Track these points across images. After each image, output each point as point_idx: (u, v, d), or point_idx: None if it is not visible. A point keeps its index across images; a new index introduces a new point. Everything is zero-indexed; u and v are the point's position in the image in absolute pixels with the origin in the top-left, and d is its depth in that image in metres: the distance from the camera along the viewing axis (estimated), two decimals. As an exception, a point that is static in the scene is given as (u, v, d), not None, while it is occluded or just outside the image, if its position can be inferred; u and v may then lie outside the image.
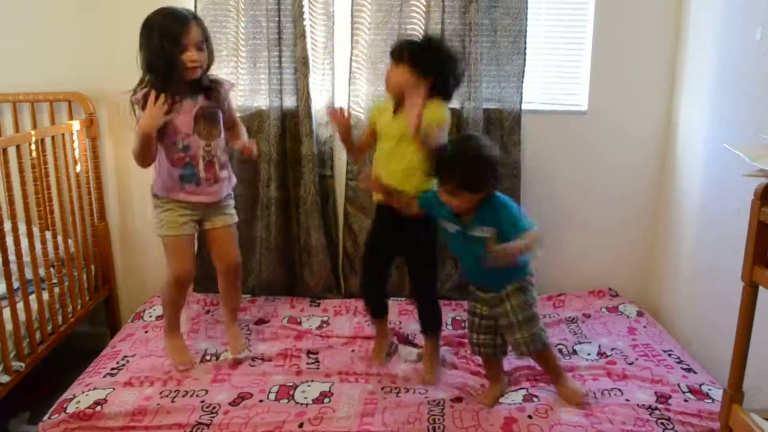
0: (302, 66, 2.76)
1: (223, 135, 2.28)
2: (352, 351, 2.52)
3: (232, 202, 2.42)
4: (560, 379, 2.20)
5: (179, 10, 2.14)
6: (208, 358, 2.44)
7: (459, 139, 2.28)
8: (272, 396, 2.18)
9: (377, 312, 2.48)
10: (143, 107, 2.09)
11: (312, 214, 2.92)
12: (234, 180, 2.42)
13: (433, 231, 2.26)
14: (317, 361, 2.43)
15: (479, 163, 1.98)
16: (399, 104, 2.17)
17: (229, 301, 2.49)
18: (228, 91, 2.30)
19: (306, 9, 2.72)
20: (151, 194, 2.29)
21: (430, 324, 2.40)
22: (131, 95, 2.16)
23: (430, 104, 2.09)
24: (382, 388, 2.24)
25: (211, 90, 2.22)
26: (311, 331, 2.67)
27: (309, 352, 2.49)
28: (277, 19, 2.73)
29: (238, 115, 2.48)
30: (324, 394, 2.19)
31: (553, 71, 3.00)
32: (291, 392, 2.20)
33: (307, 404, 2.13)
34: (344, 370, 2.36)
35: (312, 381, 2.27)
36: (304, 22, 2.72)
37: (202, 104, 2.20)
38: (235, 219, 2.42)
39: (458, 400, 2.17)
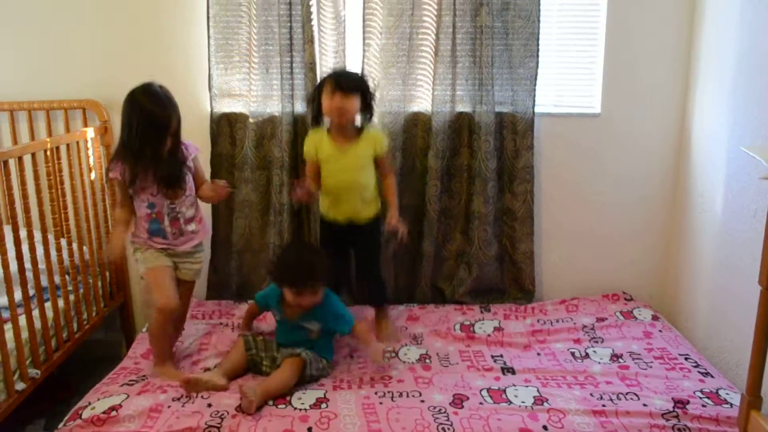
0: (310, 71, 2.76)
1: (191, 192, 2.41)
2: (351, 357, 2.52)
3: (202, 253, 2.53)
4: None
5: (162, 94, 2.28)
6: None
7: (291, 247, 2.73)
8: (270, 402, 2.17)
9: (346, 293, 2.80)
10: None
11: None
12: (208, 231, 2.59)
13: (377, 231, 2.64)
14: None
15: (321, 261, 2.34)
16: (332, 127, 2.50)
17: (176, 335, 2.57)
18: (194, 154, 2.43)
19: (315, 14, 2.72)
20: (130, 240, 2.44)
21: (380, 298, 2.73)
22: (106, 172, 2.36)
23: (375, 134, 2.54)
24: (375, 393, 2.23)
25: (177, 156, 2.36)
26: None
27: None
28: (288, 24, 2.74)
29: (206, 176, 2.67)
30: (320, 400, 2.19)
31: (566, 74, 2.98)
32: (288, 398, 2.20)
33: (305, 409, 2.13)
34: (337, 377, 2.36)
35: (306, 389, 2.26)
36: (313, 28, 2.72)
37: (167, 170, 2.31)
38: (200, 267, 2.54)
39: (458, 404, 2.16)
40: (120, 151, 2.30)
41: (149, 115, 2.22)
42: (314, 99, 2.51)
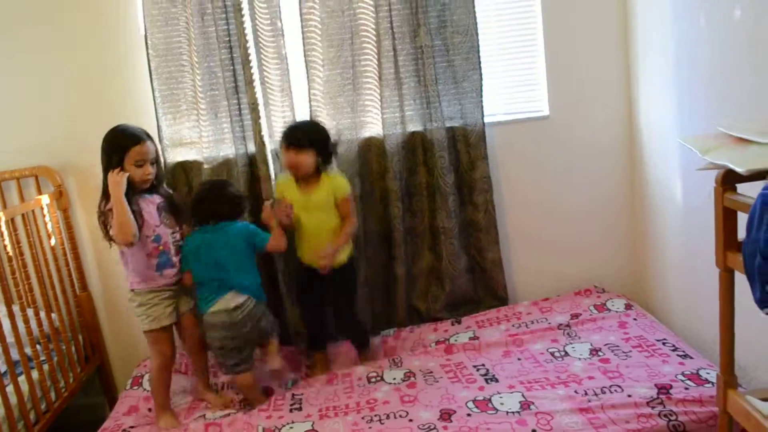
0: (253, 112, 2.76)
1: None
2: (336, 385, 2.53)
3: None
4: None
5: (134, 129, 2.38)
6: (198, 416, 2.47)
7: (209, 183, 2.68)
8: None
9: (320, 345, 2.82)
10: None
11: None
12: None
13: (351, 274, 2.72)
14: (300, 401, 2.45)
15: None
16: (298, 178, 2.59)
17: (201, 364, 2.64)
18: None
19: (254, 55, 2.73)
20: (130, 292, 2.45)
21: (361, 340, 2.80)
22: (98, 211, 2.34)
23: (333, 178, 2.60)
24: (363, 418, 2.24)
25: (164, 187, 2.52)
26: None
27: (293, 395, 2.52)
28: (231, 67, 2.76)
29: None
30: None
31: (511, 81, 3.04)
32: None
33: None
34: (323, 406, 2.37)
35: (293, 422, 2.28)
36: (252, 69, 2.72)
37: (160, 199, 2.45)
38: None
39: (445, 419, 2.16)
40: (105, 188, 2.33)
41: (122, 139, 2.33)
42: (279, 151, 2.63)
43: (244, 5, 2.69)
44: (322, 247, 2.54)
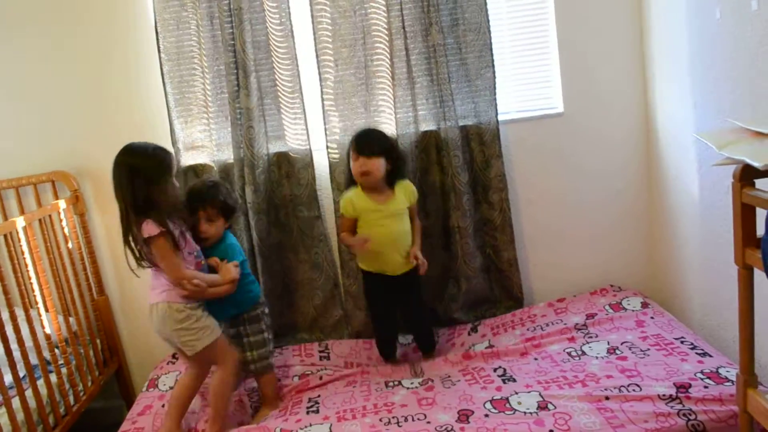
0: (244, 116, 2.78)
1: None
2: (353, 387, 2.52)
3: None
4: (268, 399, 2.54)
5: (140, 145, 2.29)
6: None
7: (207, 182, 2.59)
8: None
9: (391, 354, 2.82)
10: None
11: (302, 255, 2.96)
12: None
13: (418, 280, 2.70)
14: (317, 403, 2.45)
15: (225, 188, 2.52)
16: (365, 187, 2.58)
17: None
18: None
19: (250, 59, 2.74)
20: (180, 311, 2.26)
21: (430, 346, 2.81)
22: (133, 237, 2.23)
23: (406, 184, 2.64)
24: (380, 420, 2.23)
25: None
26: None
27: (309, 398, 2.51)
28: (235, 71, 2.77)
29: None
30: None
31: (525, 78, 3.01)
32: None
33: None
34: (341, 408, 2.36)
35: (310, 425, 2.26)
36: (250, 75, 2.75)
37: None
38: None
39: (463, 420, 2.15)
40: (139, 211, 2.20)
41: (168, 158, 2.27)
42: (348, 160, 2.62)
43: (246, 8, 2.71)
44: (405, 251, 2.61)
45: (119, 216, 2.25)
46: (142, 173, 2.19)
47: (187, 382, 2.40)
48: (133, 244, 2.24)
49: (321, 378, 2.66)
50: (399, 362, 2.80)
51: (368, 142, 2.54)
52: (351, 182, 2.65)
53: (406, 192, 2.63)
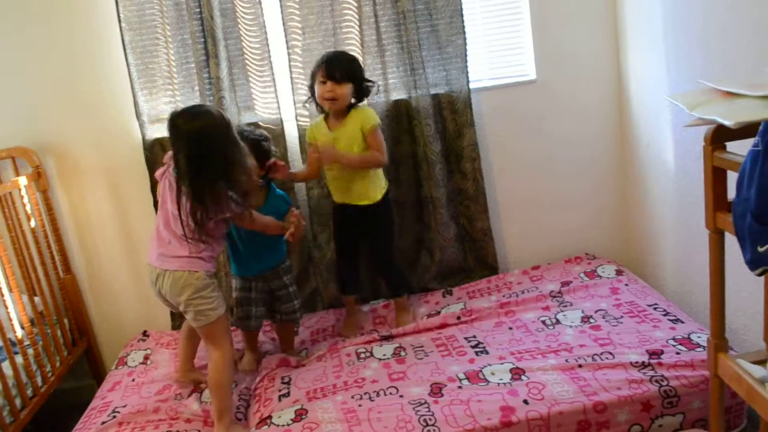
0: (214, 86, 2.72)
1: None
2: (325, 362, 2.49)
3: None
4: (290, 344, 2.65)
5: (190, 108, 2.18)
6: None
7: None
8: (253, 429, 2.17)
9: (349, 289, 2.79)
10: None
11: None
12: None
13: (388, 212, 2.69)
14: (288, 384, 2.38)
15: (259, 138, 2.42)
16: (328, 116, 2.55)
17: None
18: None
19: (218, 26, 2.67)
20: (202, 279, 2.15)
21: (398, 288, 2.78)
22: (202, 214, 2.06)
23: (361, 111, 2.53)
24: (352, 397, 2.20)
25: None
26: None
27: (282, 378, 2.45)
28: (203, 40, 2.68)
29: None
30: (299, 412, 2.16)
31: (496, 45, 2.96)
32: (268, 421, 2.16)
33: (288, 424, 2.11)
34: (311, 388, 2.31)
35: (282, 408, 2.21)
36: (218, 43, 2.67)
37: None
38: None
39: (436, 392, 2.14)
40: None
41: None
42: (311, 85, 2.53)
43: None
44: (361, 187, 2.56)
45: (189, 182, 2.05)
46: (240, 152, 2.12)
47: (217, 362, 2.20)
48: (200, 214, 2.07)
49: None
50: (359, 303, 2.86)
51: (338, 66, 2.44)
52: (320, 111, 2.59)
53: (359, 118, 2.50)
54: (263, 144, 2.42)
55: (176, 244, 2.15)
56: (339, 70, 2.43)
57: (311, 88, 2.54)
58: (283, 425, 2.10)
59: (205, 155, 2.03)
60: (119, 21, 2.68)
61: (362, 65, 2.60)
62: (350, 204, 2.61)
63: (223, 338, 2.22)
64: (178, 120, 2.07)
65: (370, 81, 2.56)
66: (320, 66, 2.47)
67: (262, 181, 2.42)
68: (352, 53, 2.66)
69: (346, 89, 2.45)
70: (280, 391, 2.33)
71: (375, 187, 2.60)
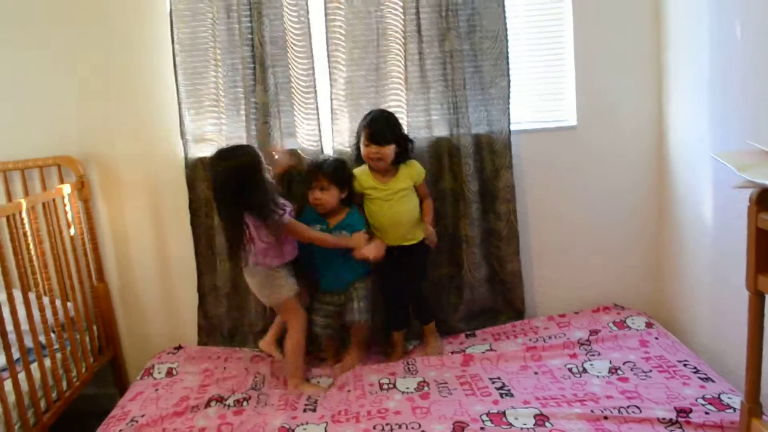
0: (259, 112, 2.78)
1: None
2: (348, 392, 2.50)
3: None
4: (358, 346, 2.80)
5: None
6: (212, 404, 2.48)
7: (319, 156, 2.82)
8: None
9: (400, 324, 2.85)
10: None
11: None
12: None
13: (422, 253, 2.80)
14: (315, 402, 2.45)
15: (342, 164, 2.71)
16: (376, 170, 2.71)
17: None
18: None
19: (268, 54, 2.74)
20: (269, 268, 2.57)
21: (428, 315, 2.87)
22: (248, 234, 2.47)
23: (411, 165, 2.73)
24: (374, 427, 2.20)
25: None
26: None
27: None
28: (252, 65, 2.75)
29: None
30: None
31: (539, 89, 2.98)
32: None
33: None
34: (336, 410, 2.35)
35: (307, 423, 2.26)
36: (267, 70, 2.74)
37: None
38: None
39: (458, 431, 2.12)
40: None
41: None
42: (356, 142, 2.71)
43: (265, 2, 2.70)
44: (408, 231, 2.71)
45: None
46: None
47: (293, 334, 2.63)
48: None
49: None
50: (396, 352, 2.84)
51: (381, 130, 2.62)
52: (359, 159, 2.74)
53: (410, 172, 2.71)
54: (345, 171, 2.68)
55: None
56: (383, 135, 2.61)
57: (356, 146, 2.72)
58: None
59: (224, 198, 2.44)
60: (172, 42, 2.76)
61: (402, 118, 2.77)
62: (398, 246, 2.72)
63: (292, 314, 2.63)
64: (211, 161, 2.52)
65: (411, 140, 2.73)
66: (364, 128, 2.65)
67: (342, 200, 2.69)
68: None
69: (390, 150, 2.62)
70: (306, 406, 2.39)
71: (419, 227, 2.75)
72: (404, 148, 2.68)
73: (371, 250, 2.61)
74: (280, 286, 2.60)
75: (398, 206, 2.68)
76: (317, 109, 2.82)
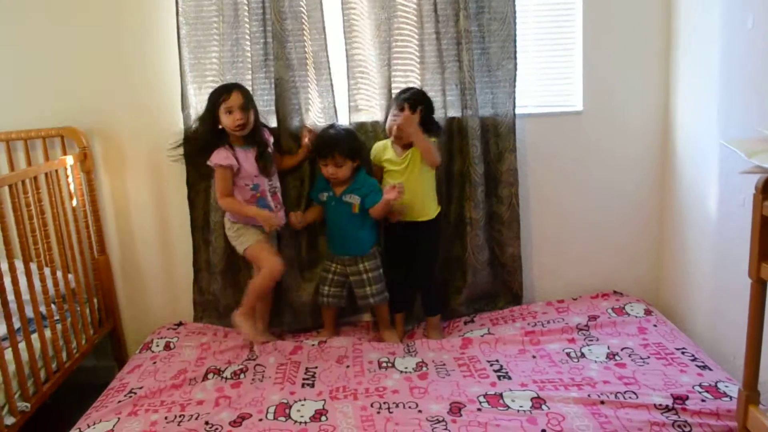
0: (277, 87, 2.76)
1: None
2: (347, 367, 2.51)
3: None
4: (386, 325, 2.83)
5: (226, 83, 2.66)
6: (210, 376, 2.50)
7: (328, 126, 2.79)
8: (270, 416, 2.19)
9: (401, 306, 2.89)
10: None
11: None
12: None
13: (439, 231, 2.84)
14: (314, 377, 2.46)
15: (354, 135, 2.75)
16: (396, 141, 2.72)
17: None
18: (271, 139, 2.77)
19: (270, 30, 2.71)
20: (229, 221, 2.74)
21: (434, 307, 2.88)
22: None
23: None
24: (372, 405, 2.22)
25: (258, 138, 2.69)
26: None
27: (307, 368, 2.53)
28: (262, 40, 2.73)
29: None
30: (319, 412, 2.19)
31: (546, 73, 2.97)
32: (287, 411, 2.20)
33: (305, 422, 2.13)
34: (334, 386, 2.37)
35: (305, 399, 2.28)
36: (287, 45, 2.72)
37: (255, 152, 2.66)
38: None
39: (455, 412, 2.13)
40: (209, 140, 2.64)
41: (214, 93, 2.61)
42: (386, 115, 2.75)
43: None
44: (422, 207, 2.73)
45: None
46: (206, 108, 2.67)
47: (258, 276, 2.71)
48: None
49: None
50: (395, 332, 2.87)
51: (413, 98, 2.64)
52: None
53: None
54: (357, 141, 2.74)
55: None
56: (415, 100, 2.62)
57: (385, 117, 2.76)
58: (300, 422, 2.13)
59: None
60: (177, 14, 2.74)
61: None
62: (408, 221, 2.73)
63: (260, 263, 2.69)
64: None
65: (438, 125, 2.74)
66: (394, 99, 2.70)
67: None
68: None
69: (416, 119, 2.61)
70: (304, 380, 2.41)
71: (432, 205, 2.77)
72: (429, 121, 2.68)
73: (390, 192, 2.59)
74: (240, 235, 2.70)
75: (414, 178, 2.68)
76: (331, 85, 2.80)
